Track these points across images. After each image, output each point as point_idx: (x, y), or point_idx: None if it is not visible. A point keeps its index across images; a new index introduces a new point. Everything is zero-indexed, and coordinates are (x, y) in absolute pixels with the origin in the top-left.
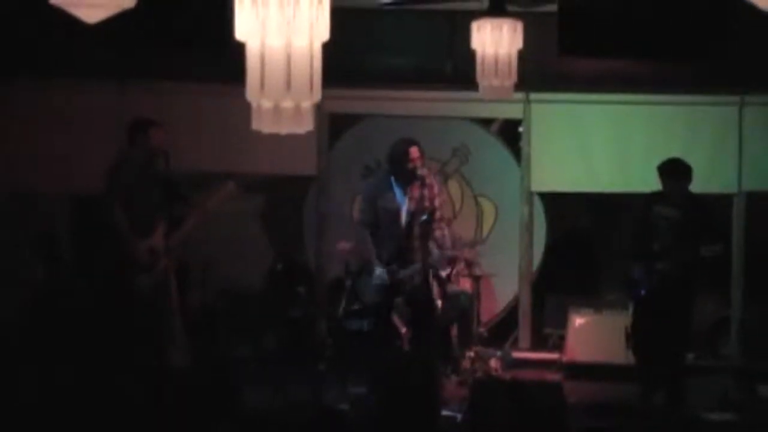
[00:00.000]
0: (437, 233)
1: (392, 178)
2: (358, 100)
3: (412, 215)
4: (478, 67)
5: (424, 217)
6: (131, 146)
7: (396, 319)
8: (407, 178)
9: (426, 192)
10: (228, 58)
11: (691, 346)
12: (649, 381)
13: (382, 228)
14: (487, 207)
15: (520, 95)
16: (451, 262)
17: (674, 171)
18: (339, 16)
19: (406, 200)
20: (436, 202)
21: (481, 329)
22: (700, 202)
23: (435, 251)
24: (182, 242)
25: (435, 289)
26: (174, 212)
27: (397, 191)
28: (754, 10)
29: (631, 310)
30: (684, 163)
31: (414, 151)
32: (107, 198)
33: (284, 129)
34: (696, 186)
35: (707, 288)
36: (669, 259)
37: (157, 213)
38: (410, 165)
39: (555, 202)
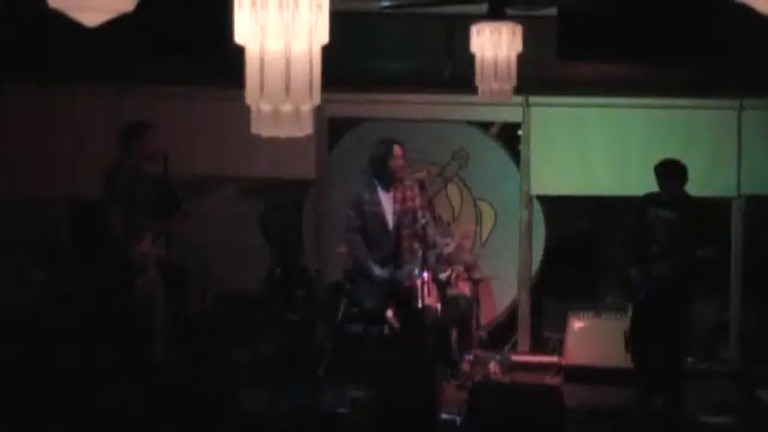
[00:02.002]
0: (428, 231)
1: (375, 182)
2: (357, 104)
3: (399, 217)
4: (478, 71)
5: (423, 221)
6: (126, 150)
7: (391, 319)
8: (391, 178)
9: (408, 193)
10: (227, 62)
11: (690, 350)
12: (648, 384)
13: (371, 232)
14: (487, 210)
15: (519, 99)
16: (448, 260)
17: (670, 171)
18: (338, 19)
19: (392, 203)
20: (417, 202)
21: (481, 333)
22: (697, 203)
23: (430, 256)
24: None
25: (434, 292)
26: (170, 216)
27: (382, 194)
28: (754, 14)
29: (630, 313)
30: (680, 163)
31: (398, 149)
32: (104, 203)
33: (283, 132)
34: (695, 189)
35: (706, 292)
36: (666, 261)
37: (151, 217)
38: (396, 162)
39: (554, 206)
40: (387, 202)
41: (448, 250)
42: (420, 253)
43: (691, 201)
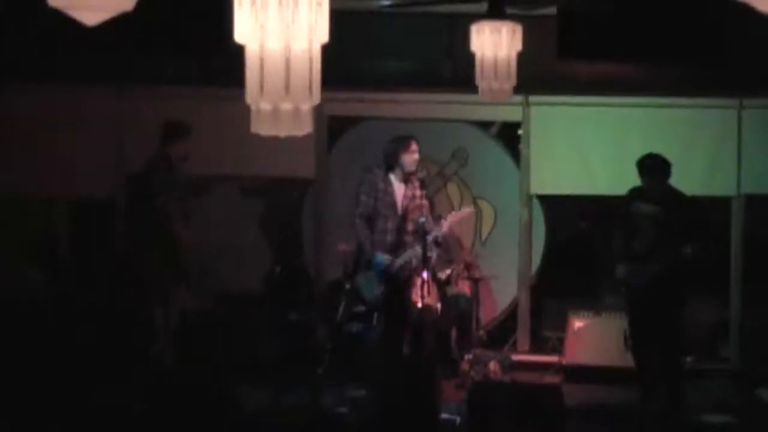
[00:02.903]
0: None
1: (390, 175)
2: (357, 103)
3: (406, 210)
4: (478, 70)
5: (423, 219)
6: (162, 149)
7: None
8: (405, 172)
9: (417, 192)
10: (227, 61)
11: (688, 349)
12: (647, 383)
13: (380, 222)
14: (486, 209)
15: (519, 98)
16: (445, 249)
17: (651, 166)
18: (338, 18)
19: (402, 197)
20: (425, 202)
21: (480, 332)
22: (682, 198)
23: (428, 241)
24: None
25: (434, 291)
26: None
27: (396, 187)
28: (753, 14)
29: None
30: (661, 158)
31: (413, 144)
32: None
33: (283, 132)
34: (695, 189)
35: (706, 291)
36: (653, 259)
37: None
38: (410, 157)
39: (554, 205)
40: (399, 194)
41: (443, 230)
42: (417, 247)
43: (677, 195)
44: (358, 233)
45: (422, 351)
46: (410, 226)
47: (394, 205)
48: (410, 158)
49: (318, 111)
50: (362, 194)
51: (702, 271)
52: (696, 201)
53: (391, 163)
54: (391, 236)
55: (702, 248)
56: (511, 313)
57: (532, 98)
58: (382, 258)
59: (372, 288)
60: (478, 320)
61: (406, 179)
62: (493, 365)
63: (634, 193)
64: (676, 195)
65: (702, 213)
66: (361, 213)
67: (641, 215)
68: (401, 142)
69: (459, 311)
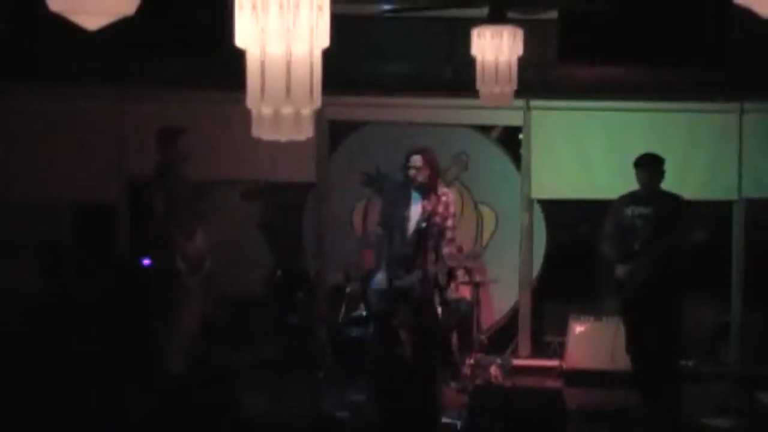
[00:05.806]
0: (445, 251)
1: (408, 187)
2: (357, 107)
3: (419, 224)
4: (478, 74)
5: (423, 225)
6: (163, 155)
7: (398, 326)
8: (414, 186)
9: (440, 209)
10: (228, 65)
11: (689, 351)
12: (646, 386)
13: (389, 232)
14: (487, 214)
15: (520, 102)
16: (450, 272)
17: (645, 162)
18: (339, 22)
19: (418, 209)
20: (449, 223)
21: (481, 336)
22: (674, 197)
23: (432, 268)
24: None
25: (435, 296)
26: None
27: (413, 199)
28: (754, 17)
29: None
30: (657, 156)
31: (414, 160)
32: (157, 207)
33: (284, 136)
34: (696, 192)
35: (707, 294)
36: (647, 254)
37: (196, 217)
38: (411, 172)
39: (555, 209)
40: (414, 207)
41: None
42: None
43: (669, 195)
44: (375, 246)
45: (423, 355)
46: (426, 241)
47: (404, 216)
48: (412, 172)
49: (319, 115)
50: (383, 205)
51: (701, 273)
52: (688, 202)
53: (402, 174)
54: (400, 246)
55: (700, 236)
56: (512, 318)
57: (533, 102)
58: (382, 281)
59: (377, 300)
60: (479, 324)
61: (423, 192)
62: (494, 369)
63: (625, 197)
64: (668, 195)
65: (693, 212)
66: (381, 223)
67: (635, 216)
68: (406, 156)
69: (460, 315)
